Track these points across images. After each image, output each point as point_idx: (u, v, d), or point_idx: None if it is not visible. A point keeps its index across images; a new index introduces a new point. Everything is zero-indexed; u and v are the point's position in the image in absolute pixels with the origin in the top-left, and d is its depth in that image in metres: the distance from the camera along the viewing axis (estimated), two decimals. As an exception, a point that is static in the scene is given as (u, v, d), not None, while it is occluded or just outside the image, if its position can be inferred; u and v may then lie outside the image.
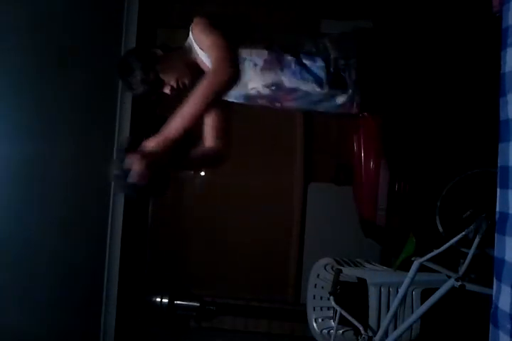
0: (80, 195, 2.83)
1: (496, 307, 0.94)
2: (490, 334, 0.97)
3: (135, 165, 1.31)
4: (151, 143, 1.34)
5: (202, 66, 1.63)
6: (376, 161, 2.70)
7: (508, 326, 0.90)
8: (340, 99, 1.61)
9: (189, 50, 1.62)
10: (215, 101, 1.38)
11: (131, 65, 1.59)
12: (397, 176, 2.66)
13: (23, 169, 2.27)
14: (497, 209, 1.00)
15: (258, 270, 3.56)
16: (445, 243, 2.05)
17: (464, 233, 2.01)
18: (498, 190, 0.99)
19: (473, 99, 2.19)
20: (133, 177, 1.32)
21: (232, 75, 1.36)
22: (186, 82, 1.61)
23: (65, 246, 2.62)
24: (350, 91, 1.57)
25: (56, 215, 2.56)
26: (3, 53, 2.08)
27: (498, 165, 1.01)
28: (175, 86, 1.60)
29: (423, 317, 2.13)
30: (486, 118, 1.56)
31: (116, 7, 3.23)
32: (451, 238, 2.04)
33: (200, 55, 1.60)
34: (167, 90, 1.62)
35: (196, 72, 1.62)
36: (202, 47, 1.54)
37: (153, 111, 3.63)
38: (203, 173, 3.74)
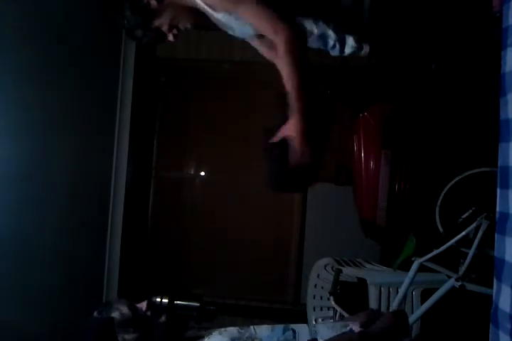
0: (80, 194, 2.83)
1: (496, 307, 0.94)
2: (490, 334, 0.97)
3: (294, 142, 1.42)
4: (293, 123, 1.43)
5: (198, 6, 1.60)
6: (376, 161, 2.71)
7: (508, 326, 0.89)
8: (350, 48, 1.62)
9: None
10: (304, 59, 1.44)
11: (131, 22, 1.57)
12: (397, 176, 2.66)
13: (23, 168, 2.27)
14: (497, 209, 0.99)
15: (258, 270, 3.56)
16: (445, 243, 2.06)
17: (463, 233, 2.01)
18: (498, 190, 0.99)
19: (473, 99, 2.19)
20: (295, 156, 1.41)
21: (292, 32, 1.40)
22: (188, 25, 1.61)
23: (65, 246, 2.62)
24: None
25: (56, 216, 2.56)
26: (3, 52, 2.08)
27: (498, 165, 1.00)
28: (177, 32, 1.61)
29: (423, 317, 2.13)
30: (485, 118, 1.56)
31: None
32: (451, 238, 2.04)
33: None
34: (171, 38, 1.62)
35: (194, 10, 1.60)
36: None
37: (153, 112, 3.64)
38: (202, 173, 3.75)
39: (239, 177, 3.67)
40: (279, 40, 1.43)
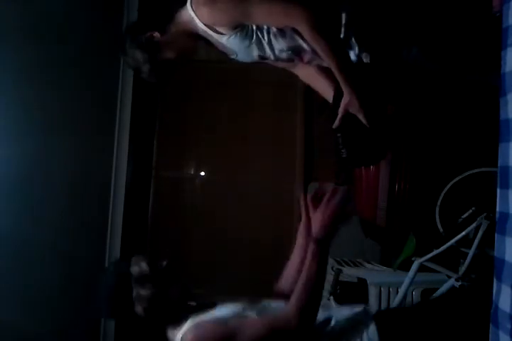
0: (80, 194, 2.82)
1: (496, 307, 0.94)
2: (490, 335, 0.97)
3: (360, 116, 1.46)
4: (348, 98, 1.45)
5: (203, 35, 1.58)
6: (376, 161, 2.70)
7: (508, 326, 0.89)
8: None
9: (185, 21, 1.55)
10: (330, 32, 1.45)
11: (137, 58, 1.55)
12: (397, 176, 2.66)
13: (23, 168, 2.27)
14: (497, 209, 0.99)
15: (258, 269, 3.55)
16: (445, 243, 2.06)
17: (463, 233, 2.01)
18: (498, 190, 0.99)
19: (473, 99, 2.19)
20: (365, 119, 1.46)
21: (306, 10, 1.39)
22: (195, 51, 1.59)
23: (65, 246, 2.62)
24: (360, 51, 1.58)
25: (56, 216, 2.56)
26: (3, 52, 2.08)
27: (498, 165, 1.00)
28: (185, 60, 1.59)
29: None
30: (485, 118, 1.56)
31: (116, 7, 3.23)
32: (451, 238, 2.05)
33: (199, 26, 1.54)
34: (180, 66, 1.60)
35: (198, 35, 1.56)
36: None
37: (153, 112, 3.64)
38: (202, 173, 3.74)
39: (238, 177, 3.67)
40: (298, 24, 1.42)
